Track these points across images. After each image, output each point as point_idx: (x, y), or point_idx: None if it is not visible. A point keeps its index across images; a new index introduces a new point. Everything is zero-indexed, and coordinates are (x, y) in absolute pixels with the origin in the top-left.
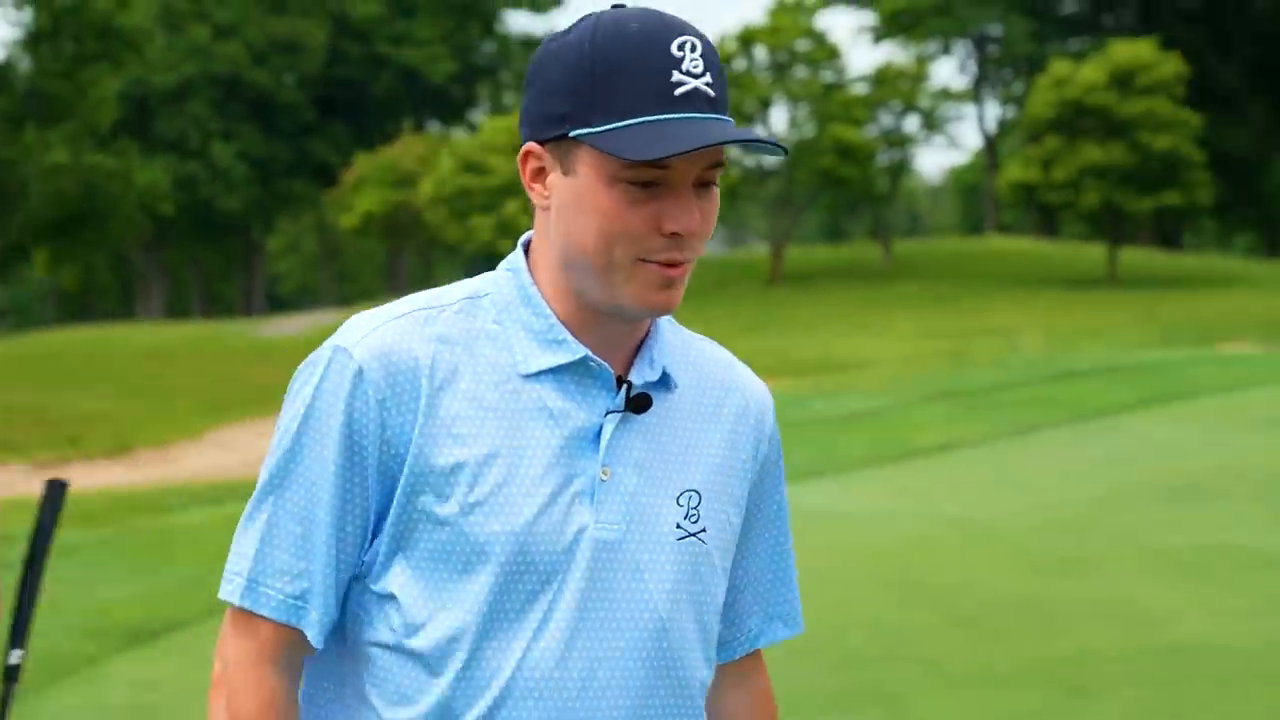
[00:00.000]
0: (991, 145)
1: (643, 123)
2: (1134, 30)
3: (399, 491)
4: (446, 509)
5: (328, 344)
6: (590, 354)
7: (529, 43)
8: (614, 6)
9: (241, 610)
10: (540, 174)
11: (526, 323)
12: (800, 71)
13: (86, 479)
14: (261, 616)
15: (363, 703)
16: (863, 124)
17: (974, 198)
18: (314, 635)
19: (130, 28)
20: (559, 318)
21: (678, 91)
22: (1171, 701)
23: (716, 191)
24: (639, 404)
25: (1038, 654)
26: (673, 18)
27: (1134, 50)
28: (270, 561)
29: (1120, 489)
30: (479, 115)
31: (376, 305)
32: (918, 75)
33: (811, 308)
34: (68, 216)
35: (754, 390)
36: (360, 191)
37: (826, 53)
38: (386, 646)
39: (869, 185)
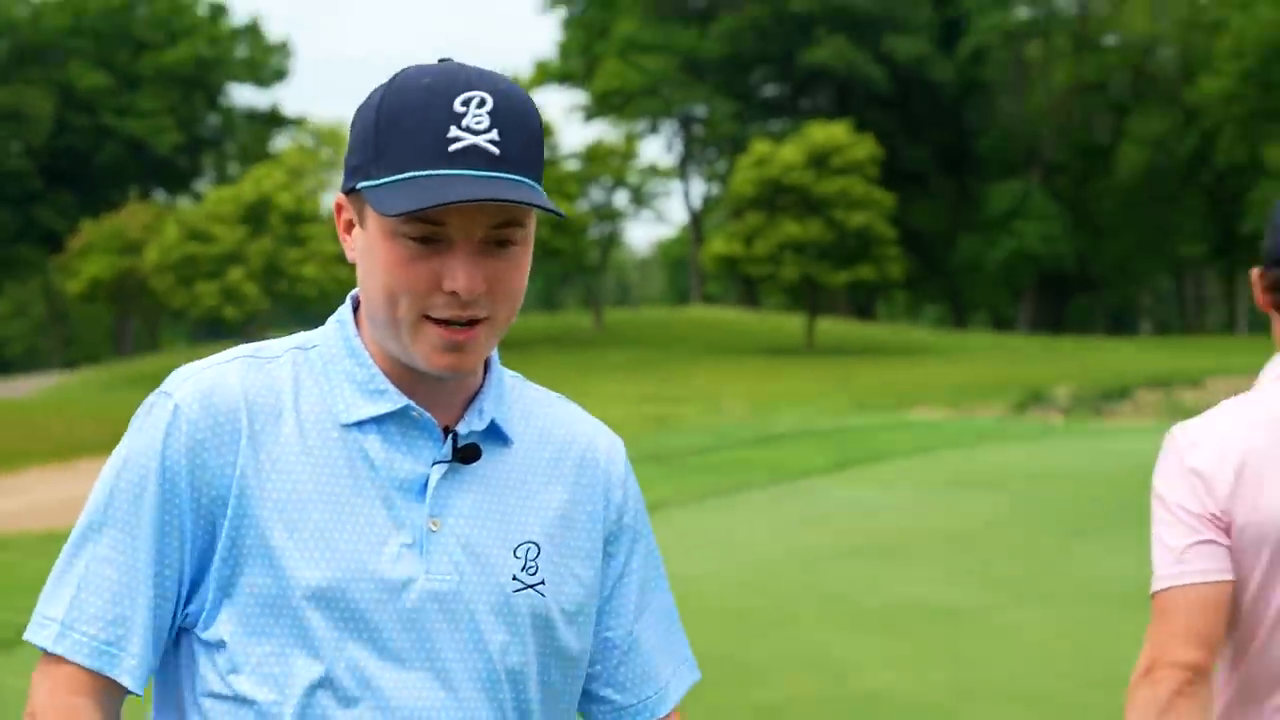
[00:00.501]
0: (697, 220)
1: (411, 178)
2: (830, 113)
3: (222, 536)
4: (269, 555)
5: (156, 390)
6: (412, 404)
7: (253, 115)
8: (440, 60)
9: (53, 656)
10: (351, 226)
11: (350, 373)
12: None
13: None
14: (73, 663)
15: None
16: (575, 198)
17: (680, 270)
18: (130, 682)
19: None
20: (382, 369)
21: (452, 147)
22: None
23: (519, 251)
24: (467, 454)
25: (735, 703)
26: (472, 72)
27: (830, 132)
28: (85, 607)
29: (816, 548)
30: (204, 185)
31: (103, 368)
32: (627, 153)
33: (526, 373)
34: None
35: (600, 440)
36: (87, 258)
37: None
38: (219, 696)
39: (581, 257)
